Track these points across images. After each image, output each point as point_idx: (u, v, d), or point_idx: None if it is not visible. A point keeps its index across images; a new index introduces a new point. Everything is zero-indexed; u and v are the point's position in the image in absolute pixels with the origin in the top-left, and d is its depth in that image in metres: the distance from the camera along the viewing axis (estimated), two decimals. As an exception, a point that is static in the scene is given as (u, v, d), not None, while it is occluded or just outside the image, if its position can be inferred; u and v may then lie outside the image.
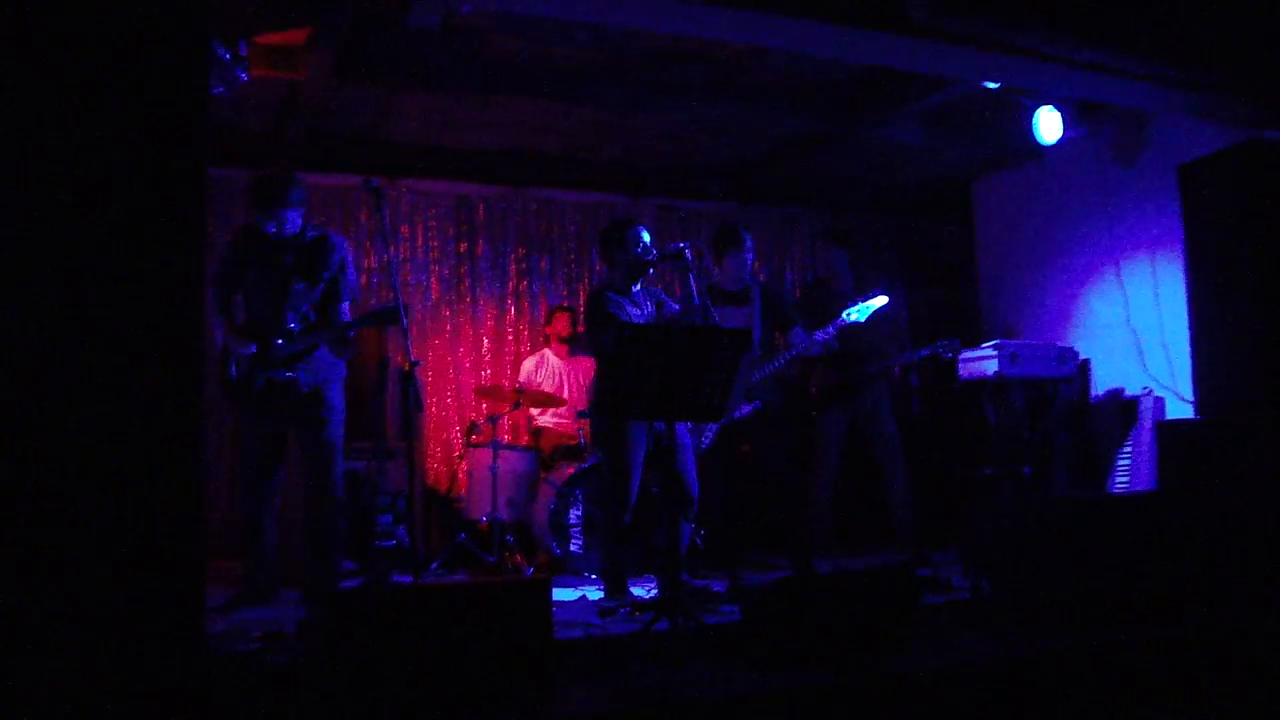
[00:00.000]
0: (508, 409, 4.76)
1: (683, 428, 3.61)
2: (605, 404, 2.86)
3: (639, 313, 3.60)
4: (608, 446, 3.57)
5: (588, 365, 5.29)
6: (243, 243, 3.50)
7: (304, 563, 3.36)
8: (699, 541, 4.37)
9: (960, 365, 4.77)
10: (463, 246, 5.49)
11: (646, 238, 3.61)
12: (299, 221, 3.46)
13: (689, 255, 3.37)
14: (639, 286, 3.65)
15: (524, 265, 5.62)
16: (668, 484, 3.46)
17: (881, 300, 3.97)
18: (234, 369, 3.38)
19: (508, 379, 5.46)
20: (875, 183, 6.05)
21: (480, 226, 5.53)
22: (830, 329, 3.92)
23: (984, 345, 4.74)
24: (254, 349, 3.37)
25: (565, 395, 5.07)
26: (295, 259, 3.44)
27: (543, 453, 4.81)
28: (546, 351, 5.27)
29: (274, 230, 3.39)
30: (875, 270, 6.14)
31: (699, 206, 6.02)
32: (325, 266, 3.46)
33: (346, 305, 3.51)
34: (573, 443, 4.86)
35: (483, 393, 5.09)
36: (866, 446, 4.48)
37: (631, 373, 2.76)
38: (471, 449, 4.64)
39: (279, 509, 3.51)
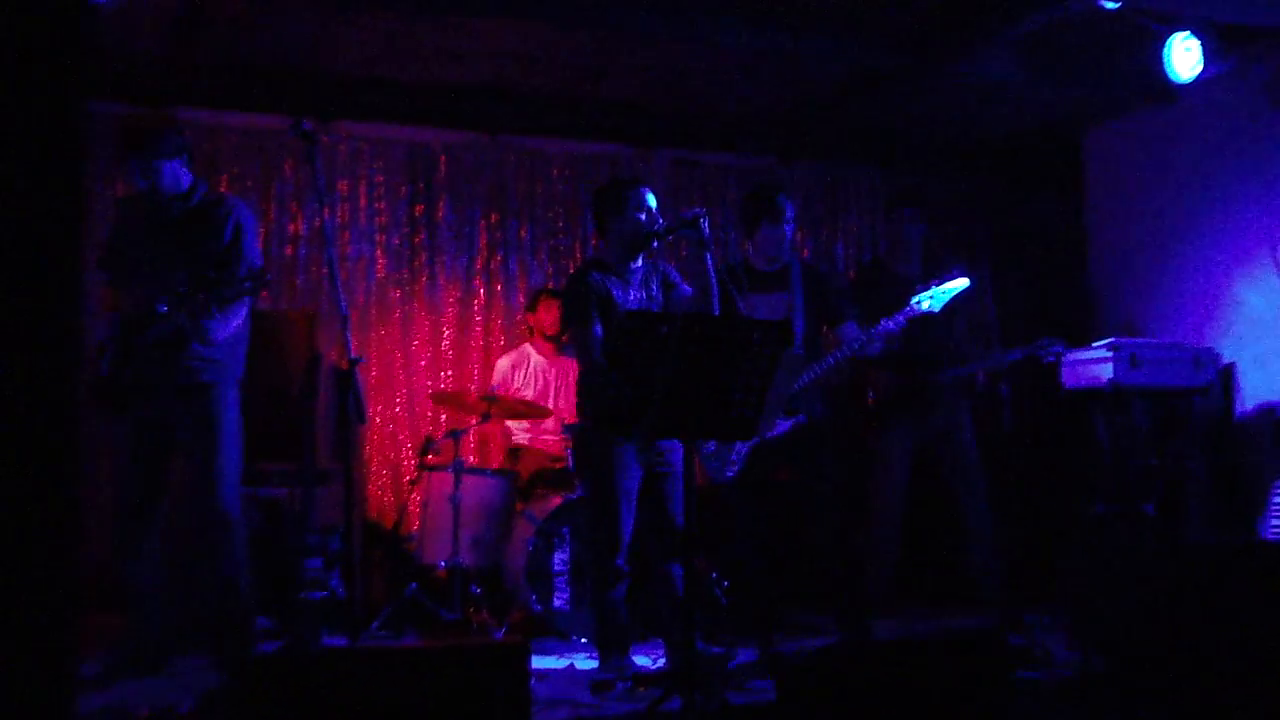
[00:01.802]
0: (475, 421, 4.76)
1: (675, 453, 3.61)
2: (599, 417, 2.85)
3: (634, 298, 3.62)
4: (592, 474, 3.59)
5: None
6: (127, 211, 3.55)
7: (204, 619, 3.36)
8: (720, 596, 4.36)
9: (1064, 370, 4.75)
10: (419, 210, 5.51)
11: (651, 202, 3.63)
12: (181, 179, 3.49)
13: (705, 226, 3.37)
14: (640, 262, 3.66)
15: (498, 235, 5.63)
16: (660, 520, 3.51)
17: (961, 283, 3.97)
18: (105, 365, 3.41)
19: (475, 382, 5.46)
20: (953, 135, 6.05)
21: (442, 184, 5.55)
22: (895, 321, 3.92)
23: (1096, 345, 4.72)
24: (122, 340, 3.40)
25: (551, 404, 5.08)
26: (178, 224, 3.47)
27: (520, 478, 4.82)
28: (527, 348, 5.29)
29: (146, 187, 3.45)
30: (952, 247, 6.13)
31: (726, 162, 6.03)
32: (213, 234, 3.47)
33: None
34: (559, 465, 4.86)
35: (443, 400, 5.09)
36: (940, 474, 4.49)
37: (634, 376, 2.74)
38: (427, 473, 4.64)
39: (165, 553, 3.51)
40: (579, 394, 3.68)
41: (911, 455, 4.49)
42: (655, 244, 3.61)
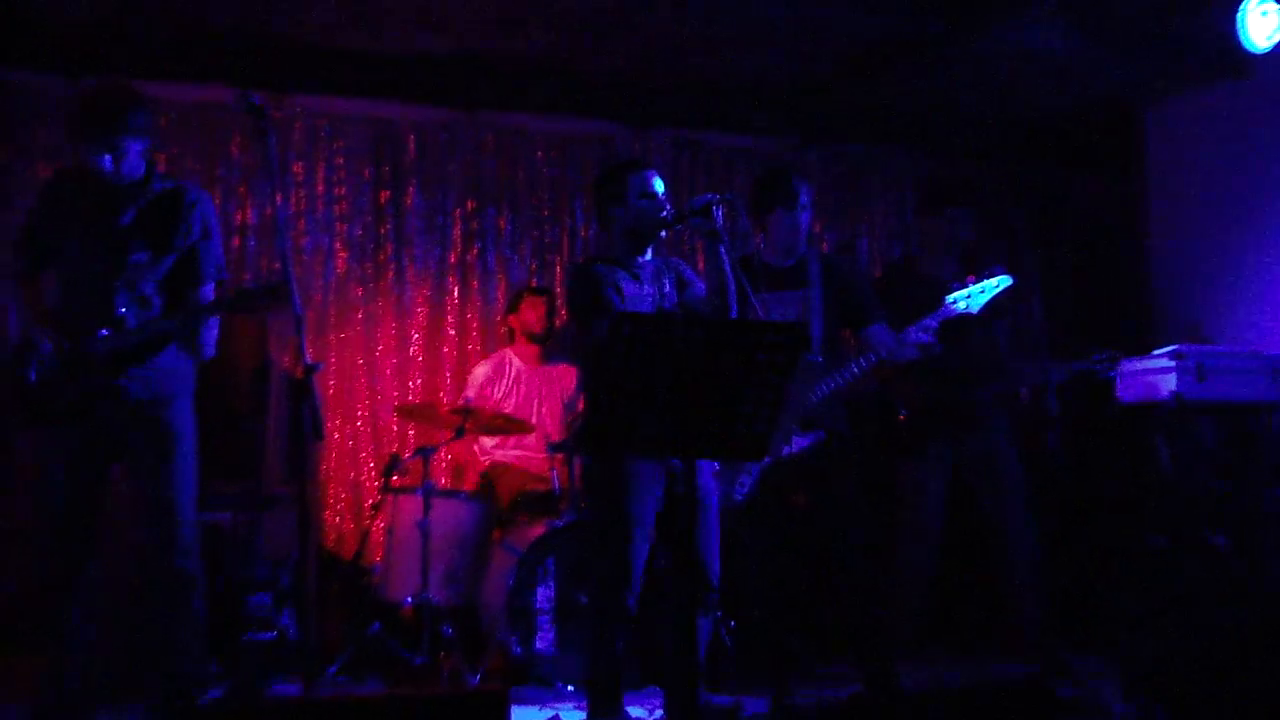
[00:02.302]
0: (447, 438, 4.75)
1: (708, 475, 3.59)
2: (592, 432, 2.84)
3: (647, 293, 3.62)
4: (600, 494, 3.55)
5: (567, 376, 5.30)
6: (61, 191, 3.45)
7: (140, 665, 3.34)
8: (726, 639, 4.35)
9: (1120, 382, 4.74)
10: (384, 196, 5.51)
11: (658, 186, 3.63)
12: (141, 162, 3.42)
13: (719, 214, 3.37)
14: (649, 256, 3.67)
15: (475, 225, 5.63)
16: (680, 559, 3.43)
17: (1003, 281, 3.97)
18: (33, 372, 3.33)
19: (448, 393, 5.46)
20: (993, 112, 6.05)
21: (411, 167, 5.55)
22: (927, 324, 3.92)
23: (1156, 353, 4.71)
24: (65, 345, 3.31)
25: (534, 419, 5.08)
26: (137, 217, 3.40)
27: (499, 503, 4.82)
28: (508, 354, 5.30)
29: (110, 168, 3.34)
30: (992, 241, 6.15)
31: (735, 143, 6.03)
32: (179, 230, 3.42)
33: (210, 288, 3.48)
34: (543, 488, 4.86)
35: (410, 413, 5.08)
36: (978, 501, 4.49)
37: (629, 385, 2.73)
38: (392, 496, 4.63)
39: (97, 585, 3.46)
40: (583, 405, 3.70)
41: (946, 479, 4.49)
42: (664, 233, 3.62)
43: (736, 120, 5.94)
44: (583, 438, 2.98)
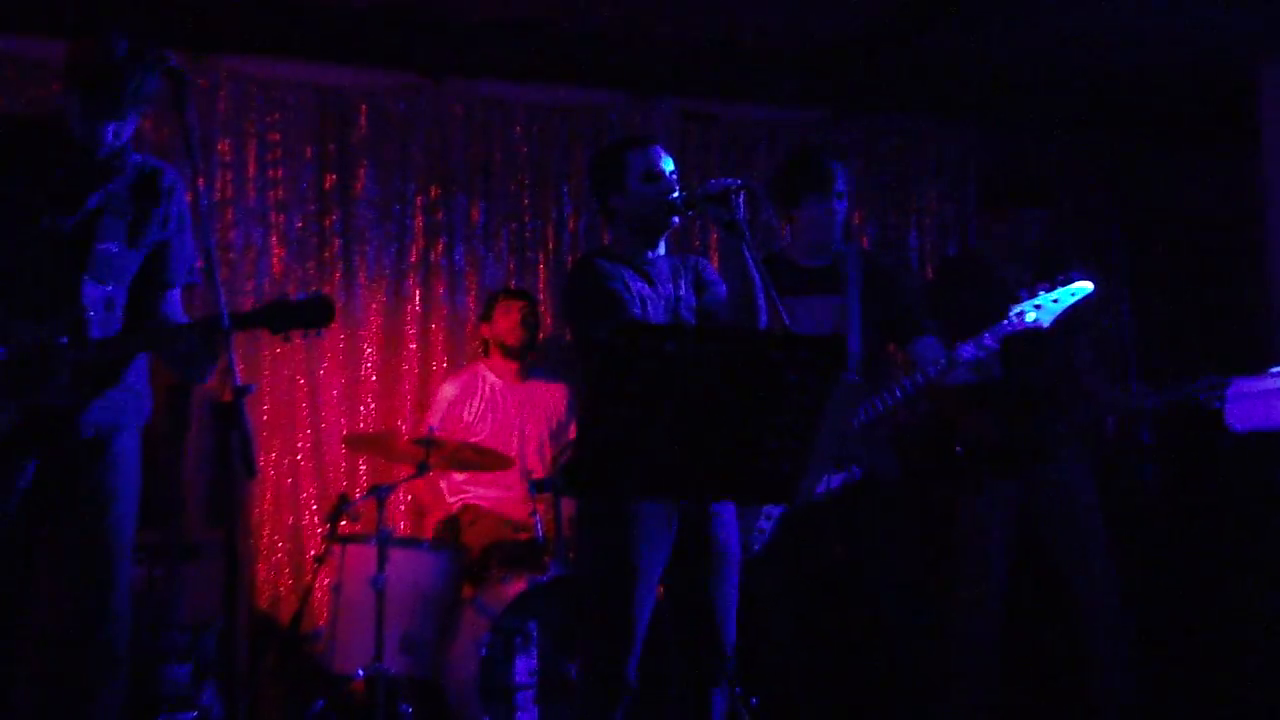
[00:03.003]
0: (408, 474, 4.75)
1: (730, 519, 3.60)
2: (582, 467, 2.85)
3: (661, 295, 3.62)
4: (596, 541, 3.51)
5: (553, 397, 5.31)
6: (8, 145, 3.26)
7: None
8: (746, 717, 4.35)
9: (1231, 408, 4.71)
10: (330, 180, 5.54)
11: (666, 165, 3.60)
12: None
13: (739, 203, 3.39)
14: (661, 250, 3.67)
15: (440, 216, 5.66)
16: (692, 621, 3.42)
17: (1083, 288, 3.99)
18: None
19: (407, 419, 5.48)
20: (1068, 77, 6.04)
21: (362, 145, 5.57)
22: (988, 340, 3.95)
23: (1276, 371, 4.70)
24: (3, 354, 3.10)
25: (513, 450, 5.09)
26: (107, 198, 3.25)
27: (469, 554, 4.83)
28: (481, 370, 5.32)
29: (110, 141, 3.21)
30: (1071, 236, 6.18)
31: (755, 114, 6.04)
32: (157, 218, 3.32)
33: (178, 293, 3.41)
34: (524, 536, 4.87)
35: (362, 444, 5.09)
36: (1053, 555, 4.51)
37: (629, 410, 2.75)
38: (340, 546, 4.63)
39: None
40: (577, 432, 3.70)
41: (1013, 528, 4.49)
42: (676, 222, 3.60)
43: (757, 88, 5.97)
44: (573, 474, 2.97)
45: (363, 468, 5.40)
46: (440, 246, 5.65)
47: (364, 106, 5.57)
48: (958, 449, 4.58)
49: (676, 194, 3.53)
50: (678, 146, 5.81)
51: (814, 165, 4.11)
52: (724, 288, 3.66)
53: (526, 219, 5.78)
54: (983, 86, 6.13)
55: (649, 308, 3.54)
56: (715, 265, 4.08)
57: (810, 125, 6.05)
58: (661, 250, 3.65)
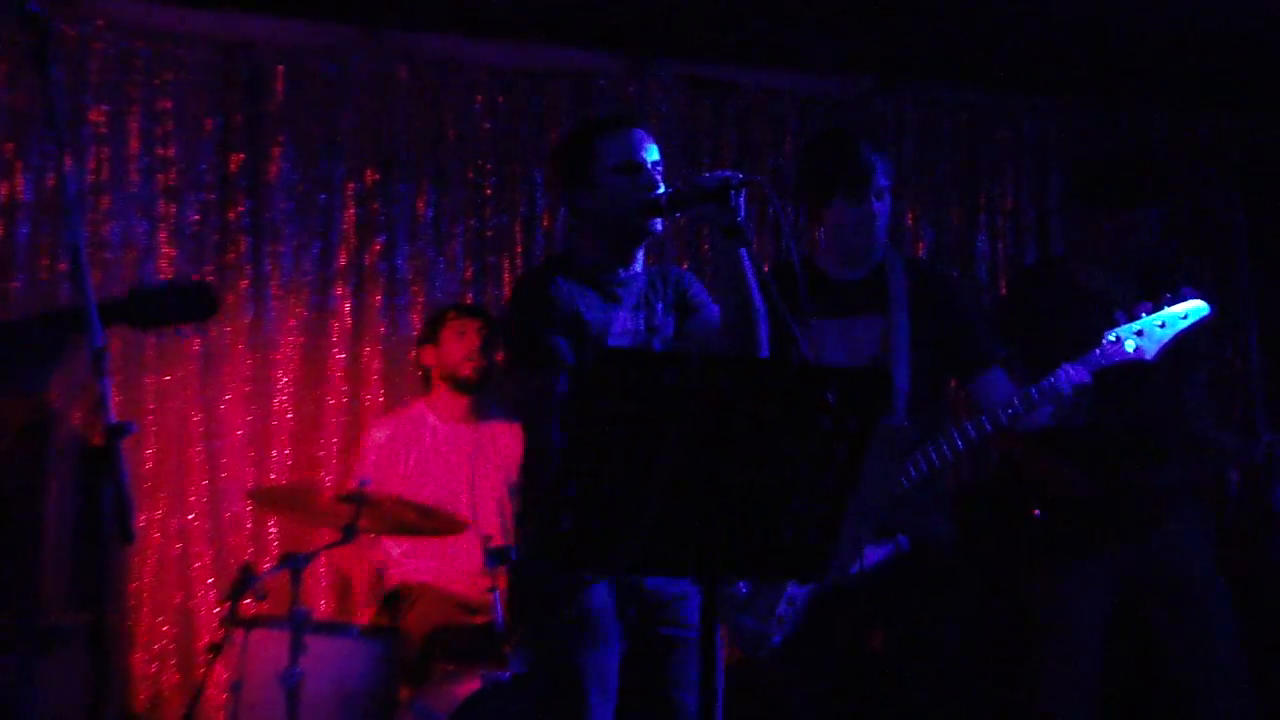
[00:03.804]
0: (331, 540, 4.72)
1: (689, 604, 3.59)
2: (556, 536, 2.84)
3: (623, 322, 3.63)
4: (536, 632, 3.58)
5: (513, 443, 5.26)
6: None
7: None
8: None
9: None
10: (236, 161, 5.56)
11: (649, 153, 3.62)
12: None
13: (739, 200, 3.38)
14: (637, 266, 3.68)
15: (377, 208, 5.67)
16: None
17: (1198, 311, 4.00)
18: None
19: (332, 470, 5.49)
20: (1174, 38, 6.02)
21: (278, 117, 5.60)
22: (1076, 373, 3.95)
23: None
24: None
25: (465, 509, 5.09)
26: None
27: (408, 643, 4.81)
28: (422, 409, 5.35)
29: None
30: (1181, 243, 6.19)
31: (781, 83, 6.08)
32: None
33: None
34: (478, 620, 4.87)
35: (273, 501, 5.06)
36: (1159, 640, 4.50)
37: (615, 461, 2.74)
38: (243, 631, 4.60)
39: None
40: (524, 493, 3.67)
41: (1108, 610, 4.49)
42: (658, 227, 3.60)
43: (784, 49, 5.98)
44: (541, 545, 2.97)
45: (273, 531, 5.40)
46: (377, 247, 5.66)
47: (280, 67, 5.59)
48: (1037, 512, 4.57)
49: (660, 191, 3.53)
50: (684, 123, 5.86)
51: (847, 156, 4.09)
52: (715, 311, 3.69)
53: (488, 214, 5.80)
54: (1064, 53, 6.12)
55: (608, 344, 3.56)
56: (707, 279, 4.08)
57: (852, 98, 6.09)
58: (638, 264, 3.67)
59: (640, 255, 3.67)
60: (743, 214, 3.38)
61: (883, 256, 4.16)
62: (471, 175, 5.78)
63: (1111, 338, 3.95)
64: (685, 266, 5.47)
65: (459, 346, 5.23)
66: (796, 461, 2.80)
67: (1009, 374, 4.10)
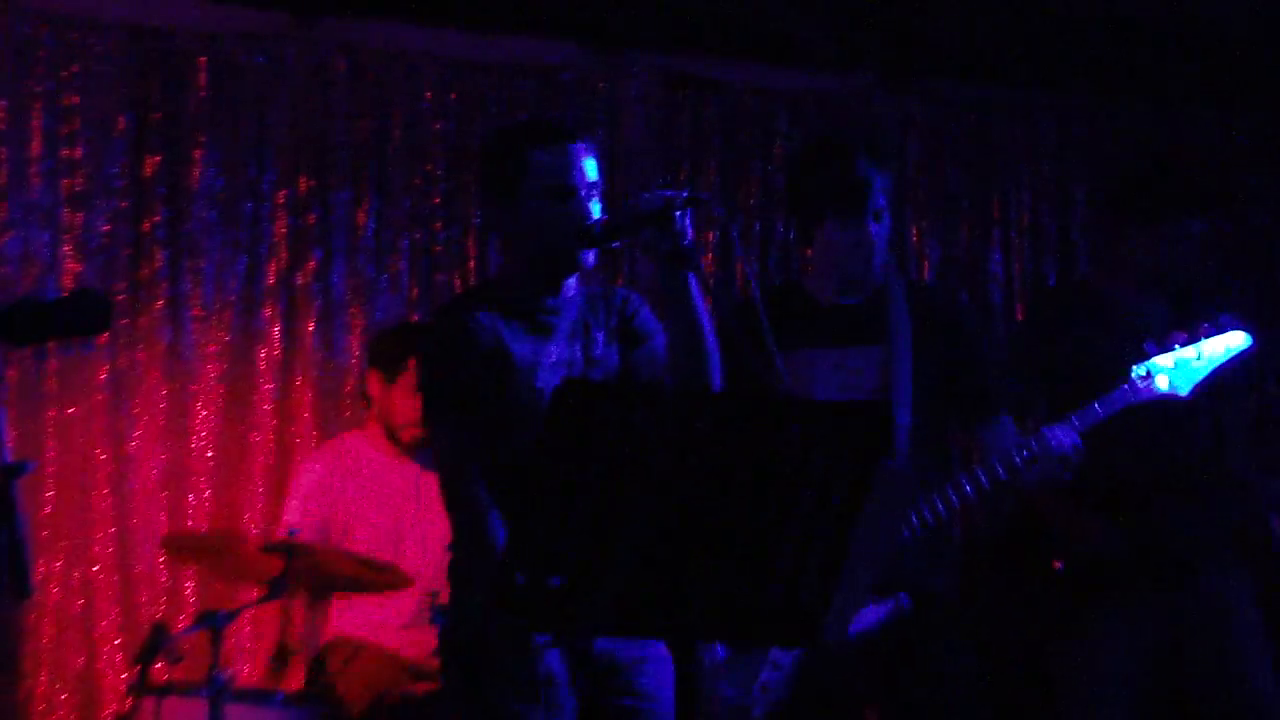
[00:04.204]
0: (257, 596, 4.72)
1: (652, 671, 3.60)
2: (503, 594, 2.84)
3: (557, 357, 3.63)
4: (476, 701, 3.57)
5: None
6: None
7: None
8: None
9: None
10: (151, 164, 5.55)
11: (589, 172, 3.60)
12: None
13: (685, 221, 3.35)
14: (572, 291, 3.69)
15: (310, 221, 5.68)
16: None
17: (1238, 343, 4.00)
18: None
19: (258, 515, 5.48)
20: (1203, 29, 6.03)
21: (201, 114, 5.58)
22: (1096, 413, 3.98)
23: None
24: None
25: (408, 559, 5.05)
26: None
27: (345, 711, 4.80)
28: (355, 442, 5.35)
29: None
30: (1222, 262, 6.21)
31: (772, 80, 6.11)
32: None
33: None
34: (421, 687, 4.84)
35: (190, 549, 5.05)
36: (1196, 699, 4.51)
37: (578, 510, 2.73)
38: (155, 699, 4.57)
39: None
40: (455, 550, 3.66)
41: (1141, 676, 4.50)
42: (591, 259, 3.60)
43: (774, 42, 6.00)
44: (496, 605, 2.96)
45: (190, 586, 5.37)
46: (311, 264, 5.66)
47: (202, 58, 5.58)
48: (1058, 565, 4.58)
49: (595, 219, 3.53)
50: (660, 124, 5.87)
51: (840, 172, 4.09)
52: (664, 339, 3.69)
53: (437, 226, 5.80)
54: (1096, 41, 6.14)
55: (538, 381, 3.56)
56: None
57: (848, 96, 6.11)
58: (571, 290, 3.67)
59: (571, 281, 3.68)
60: (690, 237, 3.37)
61: (882, 280, 4.16)
62: (419, 182, 5.78)
63: (1141, 372, 3.97)
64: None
65: (408, 406, 5.11)
66: (787, 510, 2.79)
67: (1017, 420, 4.12)
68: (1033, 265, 6.29)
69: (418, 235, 5.77)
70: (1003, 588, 4.80)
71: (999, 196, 6.33)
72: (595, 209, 3.56)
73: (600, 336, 3.68)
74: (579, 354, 3.65)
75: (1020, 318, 5.97)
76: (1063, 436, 3.95)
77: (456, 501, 3.59)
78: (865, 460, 2.81)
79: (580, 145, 3.61)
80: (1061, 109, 6.34)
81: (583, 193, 3.56)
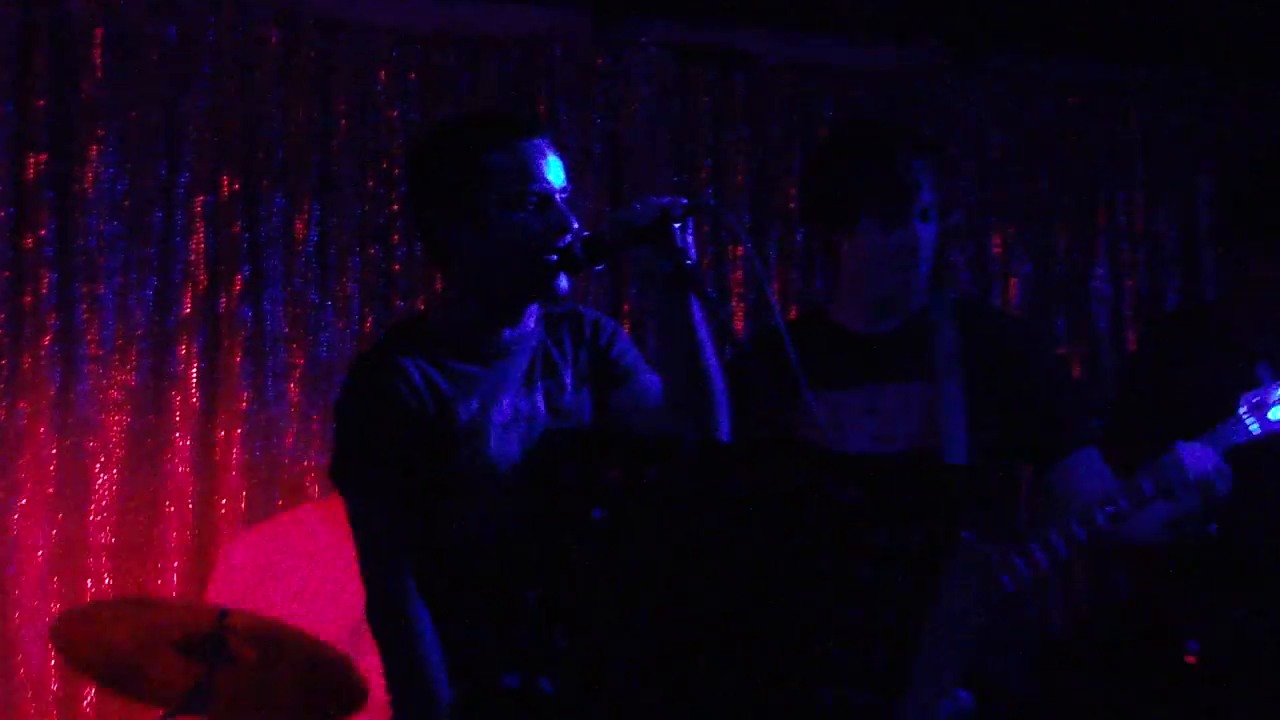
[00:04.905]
0: (173, 706, 4.69)
1: None
2: (487, 700, 2.84)
3: (509, 409, 3.63)
4: None
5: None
6: None
7: None
8: None
9: None
10: (34, 166, 5.55)
11: (552, 176, 3.61)
12: None
13: (688, 237, 3.38)
14: (529, 324, 3.70)
15: (236, 231, 5.68)
16: None
17: None
18: None
19: (175, 578, 5.47)
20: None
21: (94, 103, 5.60)
22: (1204, 453, 3.97)
23: None
24: None
25: (375, 677, 5.01)
26: None
27: None
28: (311, 513, 5.38)
29: None
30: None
31: (813, 54, 6.14)
32: None
33: None
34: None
35: (86, 649, 5.01)
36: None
37: (578, 595, 2.70)
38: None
39: None
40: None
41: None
42: (565, 287, 3.59)
43: (814, 7, 6.02)
44: (478, 712, 2.96)
45: (88, 696, 5.37)
46: (237, 287, 5.65)
47: (99, 30, 5.59)
48: (1189, 652, 4.57)
49: (571, 237, 3.53)
50: (671, 111, 5.87)
51: (875, 158, 4.10)
52: (651, 378, 3.72)
53: (395, 238, 5.81)
54: (1217, 7, 6.16)
55: (488, 446, 3.56)
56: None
57: (910, 74, 6.14)
58: (528, 323, 3.68)
59: (532, 313, 3.69)
60: (694, 254, 3.39)
61: (925, 300, 4.16)
62: (372, 184, 5.80)
63: (1245, 407, 4.03)
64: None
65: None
66: (841, 593, 2.80)
67: (1098, 456, 4.12)
68: (1148, 281, 6.28)
69: (372, 250, 5.77)
70: (1104, 684, 4.77)
71: (1104, 197, 6.32)
72: (573, 226, 3.56)
73: (568, 377, 3.70)
74: (540, 404, 3.66)
75: (1132, 349, 5.94)
76: (1202, 456, 3.95)
77: (377, 604, 3.63)
78: (938, 527, 2.80)
79: (544, 141, 3.63)
80: (1185, 89, 6.33)
81: (558, 198, 3.58)
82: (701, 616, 2.76)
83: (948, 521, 2.82)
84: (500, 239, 3.55)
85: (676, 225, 3.36)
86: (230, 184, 5.67)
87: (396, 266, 5.80)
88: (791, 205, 5.94)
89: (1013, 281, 6.13)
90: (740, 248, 5.65)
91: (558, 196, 3.57)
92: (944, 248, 4.32)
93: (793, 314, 5.55)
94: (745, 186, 5.99)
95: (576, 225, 3.55)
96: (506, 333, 3.65)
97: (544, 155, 3.59)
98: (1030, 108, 6.26)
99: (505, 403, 3.61)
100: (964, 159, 6.11)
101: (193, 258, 5.63)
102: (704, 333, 3.43)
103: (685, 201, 3.38)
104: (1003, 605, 4.00)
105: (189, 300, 5.62)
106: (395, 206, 5.78)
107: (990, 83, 6.18)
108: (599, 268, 3.65)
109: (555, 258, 3.53)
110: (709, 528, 2.75)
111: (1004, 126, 6.18)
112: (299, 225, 5.72)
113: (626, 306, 5.80)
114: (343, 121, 5.77)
